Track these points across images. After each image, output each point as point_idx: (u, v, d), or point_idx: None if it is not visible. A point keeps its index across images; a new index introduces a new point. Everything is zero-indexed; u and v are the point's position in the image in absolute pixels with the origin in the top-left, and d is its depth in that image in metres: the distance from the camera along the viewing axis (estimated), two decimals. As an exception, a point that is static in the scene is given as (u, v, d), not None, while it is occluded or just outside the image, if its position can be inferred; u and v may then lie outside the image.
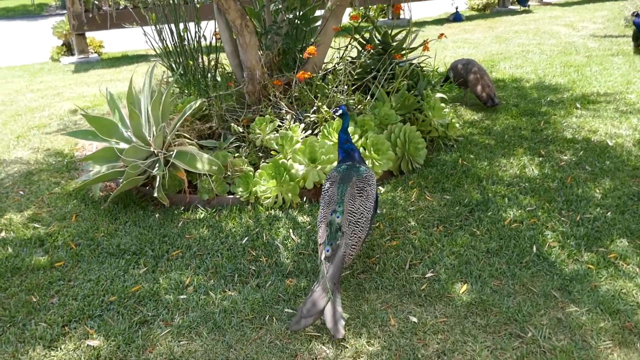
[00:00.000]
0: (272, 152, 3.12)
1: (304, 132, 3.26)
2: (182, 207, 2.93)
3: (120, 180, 2.87)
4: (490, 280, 2.22)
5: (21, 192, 3.21)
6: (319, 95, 3.46)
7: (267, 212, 2.83)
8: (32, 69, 7.16)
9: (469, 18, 9.68)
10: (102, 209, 2.92)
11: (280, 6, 3.77)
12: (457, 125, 3.82)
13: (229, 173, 3.02)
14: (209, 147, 3.26)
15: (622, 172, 3.09)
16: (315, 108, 3.34)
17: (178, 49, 3.97)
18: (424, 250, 2.44)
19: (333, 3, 3.77)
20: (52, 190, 3.19)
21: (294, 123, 3.37)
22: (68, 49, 7.82)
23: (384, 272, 2.30)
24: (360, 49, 4.19)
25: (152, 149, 2.87)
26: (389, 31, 4.15)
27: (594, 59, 5.78)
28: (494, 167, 3.23)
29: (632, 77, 4.92)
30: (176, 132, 3.24)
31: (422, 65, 4.32)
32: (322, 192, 2.27)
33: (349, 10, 4.71)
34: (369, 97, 3.64)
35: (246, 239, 2.59)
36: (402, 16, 9.60)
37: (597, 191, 2.88)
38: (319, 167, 2.89)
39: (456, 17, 9.40)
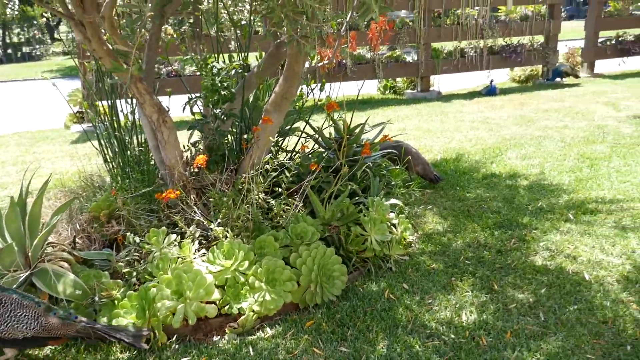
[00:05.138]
0: (145, 277, 2.66)
1: (199, 250, 2.80)
2: (32, 340, 2.50)
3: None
4: None
5: None
6: (237, 202, 3.01)
7: (121, 355, 2.34)
8: (38, 136, 7.24)
9: (505, 91, 9.04)
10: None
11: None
12: (407, 239, 3.22)
13: (96, 298, 2.58)
14: (96, 261, 2.86)
15: (584, 326, 2.37)
16: (218, 221, 2.88)
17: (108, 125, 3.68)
18: None
19: (278, 95, 3.35)
20: None
21: (198, 235, 2.93)
22: (82, 117, 7.90)
23: None
24: (321, 144, 3.75)
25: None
26: (345, 123, 3.67)
27: (619, 149, 4.99)
28: (424, 306, 2.60)
29: (654, 179, 4.12)
30: (52, 243, 2.88)
31: (384, 162, 3.79)
32: None
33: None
34: (299, 205, 3.15)
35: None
36: (432, 88, 9.17)
37: (537, 357, 2.19)
38: (188, 302, 2.40)
39: (490, 91, 8.80)
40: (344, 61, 8.33)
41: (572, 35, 16.10)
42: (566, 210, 3.61)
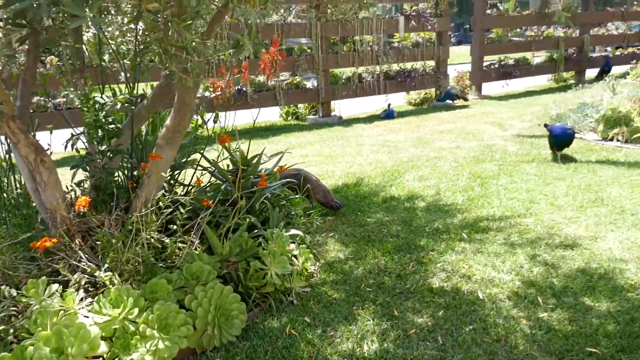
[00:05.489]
0: (23, 335, 2.42)
1: (85, 299, 2.59)
2: None
3: None
4: None
5: None
6: (126, 244, 2.83)
7: None
8: None
9: (403, 114, 9.39)
10: None
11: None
12: (309, 270, 3.18)
13: (-39, 366, 2.30)
14: (-35, 321, 2.56)
15: (479, 346, 2.44)
16: (106, 266, 2.69)
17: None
18: None
19: (169, 129, 3.21)
20: None
21: (84, 283, 2.72)
22: (-41, 157, 7.22)
23: None
24: (218, 177, 3.65)
25: None
26: (242, 153, 3.60)
27: (506, 167, 5.31)
28: (325, 339, 2.56)
29: (537, 195, 4.40)
30: None
31: (283, 192, 3.75)
32: None
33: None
34: (196, 242, 3.02)
35: None
36: (333, 113, 9.32)
37: (437, 383, 2.22)
38: (70, 360, 2.20)
39: (388, 114, 9.09)
40: (244, 89, 8.28)
41: (461, 59, 17.13)
42: (460, 230, 3.75)
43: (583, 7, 12.18)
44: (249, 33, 1.57)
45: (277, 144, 7.28)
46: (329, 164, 5.97)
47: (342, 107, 9.66)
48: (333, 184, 5.12)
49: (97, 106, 2.95)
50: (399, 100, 10.82)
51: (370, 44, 9.35)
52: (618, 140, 6.04)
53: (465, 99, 10.14)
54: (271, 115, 9.88)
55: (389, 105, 9.22)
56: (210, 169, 3.62)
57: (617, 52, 13.85)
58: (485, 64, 11.18)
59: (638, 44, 14.68)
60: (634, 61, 12.09)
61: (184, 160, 3.74)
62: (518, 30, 15.91)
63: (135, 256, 2.72)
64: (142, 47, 2.01)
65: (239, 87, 8.26)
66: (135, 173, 3.31)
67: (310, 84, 9.36)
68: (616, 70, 12.57)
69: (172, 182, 3.69)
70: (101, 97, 3.18)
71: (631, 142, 5.93)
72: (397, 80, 9.79)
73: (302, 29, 8.61)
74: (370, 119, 9.19)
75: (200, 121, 3.85)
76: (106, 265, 2.70)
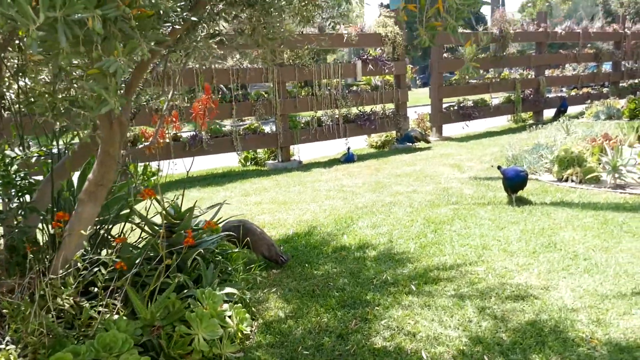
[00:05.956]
0: None
1: (-21, 379, 2.30)
2: None
3: None
4: None
5: None
6: (36, 311, 2.56)
7: None
8: None
9: (363, 157, 9.32)
10: None
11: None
12: (244, 332, 2.94)
13: None
14: None
15: (419, 417, 2.22)
16: (7, 339, 2.41)
17: None
18: None
19: (92, 183, 2.99)
20: None
21: None
22: None
23: None
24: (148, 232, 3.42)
25: None
26: (177, 208, 3.40)
27: (460, 211, 5.20)
28: (252, 414, 2.31)
29: (490, 240, 4.27)
30: None
31: (221, 246, 3.53)
32: None
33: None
34: (118, 305, 2.76)
35: None
36: (293, 158, 9.21)
37: None
38: None
39: (348, 158, 9.00)
40: (199, 135, 8.11)
41: (426, 101, 17.38)
42: (409, 281, 3.58)
43: (537, 51, 12.53)
44: (113, 86, 1.40)
45: (232, 190, 7.08)
46: (282, 211, 5.78)
47: (303, 151, 9.56)
48: (284, 234, 4.91)
49: (7, 160, 2.72)
50: (360, 143, 10.80)
51: (329, 87, 9.34)
52: (572, 181, 6.02)
53: (427, 141, 10.16)
54: (230, 161, 9.71)
55: (349, 148, 9.15)
56: (141, 225, 3.39)
57: (573, 93, 14.22)
58: (446, 105, 11.30)
59: (592, 84, 15.14)
60: (589, 101, 12.40)
61: (116, 214, 3.51)
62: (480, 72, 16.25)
63: (40, 326, 2.45)
64: (30, 100, 1.83)
65: (194, 133, 8.09)
66: (52, 232, 3.07)
67: (268, 128, 9.26)
68: (572, 110, 12.88)
69: (106, 235, 3.45)
70: (18, 150, 2.96)
71: (585, 183, 5.92)
72: (357, 123, 9.77)
73: (259, 74, 8.55)
74: (330, 163, 9.08)
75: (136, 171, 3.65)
76: (7, 338, 2.43)
